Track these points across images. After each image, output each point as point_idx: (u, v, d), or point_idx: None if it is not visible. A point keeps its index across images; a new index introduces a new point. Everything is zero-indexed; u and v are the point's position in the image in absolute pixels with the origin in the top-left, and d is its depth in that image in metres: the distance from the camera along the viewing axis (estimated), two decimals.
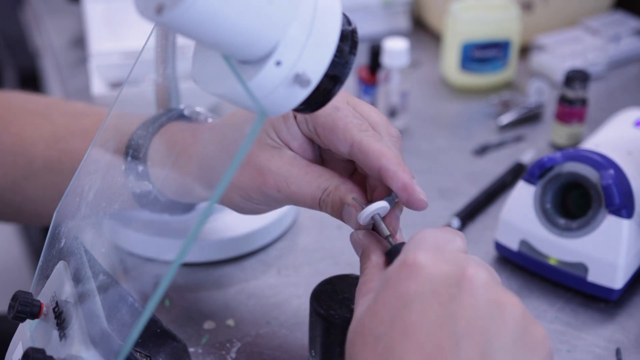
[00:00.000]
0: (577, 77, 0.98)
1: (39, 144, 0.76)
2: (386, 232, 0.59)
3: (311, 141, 0.65)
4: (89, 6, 1.21)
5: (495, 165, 0.98)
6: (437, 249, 0.51)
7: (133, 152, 0.70)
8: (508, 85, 1.16)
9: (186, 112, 0.74)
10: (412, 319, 0.48)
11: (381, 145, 0.60)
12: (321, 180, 0.62)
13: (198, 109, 0.75)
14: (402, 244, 0.57)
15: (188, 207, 0.75)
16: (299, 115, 0.64)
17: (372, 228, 0.61)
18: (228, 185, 0.50)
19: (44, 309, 0.58)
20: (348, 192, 0.61)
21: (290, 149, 0.64)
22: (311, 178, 0.62)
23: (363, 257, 0.59)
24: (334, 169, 0.64)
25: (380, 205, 0.60)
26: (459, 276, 0.49)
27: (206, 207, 0.49)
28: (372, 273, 0.56)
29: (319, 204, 0.62)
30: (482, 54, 1.12)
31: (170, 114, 0.73)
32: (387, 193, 0.61)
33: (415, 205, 0.59)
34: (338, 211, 0.61)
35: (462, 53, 1.12)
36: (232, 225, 0.82)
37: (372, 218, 0.60)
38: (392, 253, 0.58)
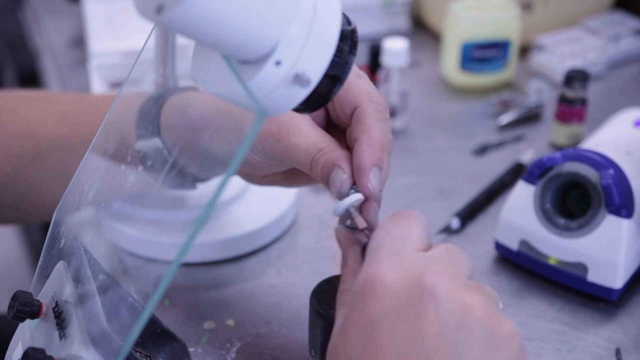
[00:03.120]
0: (577, 77, 0.98)
1: (47, 124, 0.76)
2: (362, 224, 0.59)
3: (325, 109, 0.65)
4: (89, 6, 1.21)
5: (495, 165, 0.98)
6: (395, 256, 0.51)
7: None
8: (508, 85, 1.16)
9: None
10: (382, 340, 0.48)
11: (376, 125, 0.61)
12: (320, 139, 0.62)
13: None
14: None
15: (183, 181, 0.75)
16: None
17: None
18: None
19: (44, 308, 0.58)
20: (343, 157, 0.61)
21: None
22: (312, 135, 0.63)
23: (342, 261, 0.58)
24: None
25: (355, 198, 0.59)
26: (420, 289, 0.48)
27: (206, 206, 0.49)
28: (349, 281, 0.56)
29: (311, 163, 0.62)
30: (482, 54, 1.12)
31: (160, 101, 0.72)
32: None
33: (361, 186, 0.59)
34: (327, 172, 0.60)
35: (462, 53, 1.12)
36: (232, 225, 0.82)
37: (348, 211, 0.59)
38: None
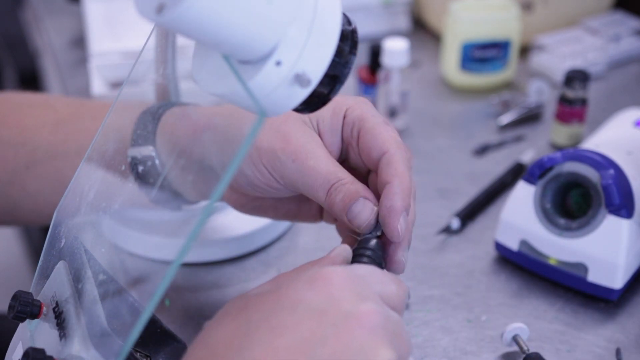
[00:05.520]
0: (577, 77, 0.98)
1: (43, 131, 0.75)
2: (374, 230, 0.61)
3: (340, 147, 0.66)
4: (89, 6, 1.21)
5: (495, 165, 0.98)
6: (360, 282, 0.51)
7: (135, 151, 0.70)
8: (508, 85, 1.16)
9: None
10: (286, 323, 0.48)
11: (406, 172, 0.62)
12: (338, 169, 0.62)
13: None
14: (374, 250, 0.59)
15: (176, 202, 0.74)
16: (348, 117, 0.64)
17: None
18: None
19: (44, 309, 0.58)
20: (368, 191, 0.61)
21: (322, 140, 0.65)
22: (331, 163, 0.62)
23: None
24: None
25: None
26: (352, 310, 0.48)
27: (206, 207, 0.49)
28: (316, 262, 0.57)
29: (329, 190, 0.61)
30: (482, 54, 1.12)
31: (158, 114, 0.72)
32: None
33: (391, 227, 0.60)
34: (349, 202, 0.60)
35: (462, 53, 1.12)
36: (232, 225, 0.82)
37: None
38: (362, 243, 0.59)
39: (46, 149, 0.74)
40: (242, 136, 0.64)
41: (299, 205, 0.70)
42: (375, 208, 0.60)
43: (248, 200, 0.70)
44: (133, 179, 0.70)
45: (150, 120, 0.71)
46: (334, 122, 0.65)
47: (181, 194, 0.72)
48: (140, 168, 0.69)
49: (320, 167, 0.62)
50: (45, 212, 0.75)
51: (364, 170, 0.66)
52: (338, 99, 0.66)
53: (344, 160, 0.66)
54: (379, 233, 0.60)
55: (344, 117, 0.65)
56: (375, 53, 1.05)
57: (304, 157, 0.62)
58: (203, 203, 0.77)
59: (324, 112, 0.64)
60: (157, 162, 0.69)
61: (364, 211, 0.60)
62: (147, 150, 0.69)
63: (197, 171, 0.69)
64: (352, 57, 0.53)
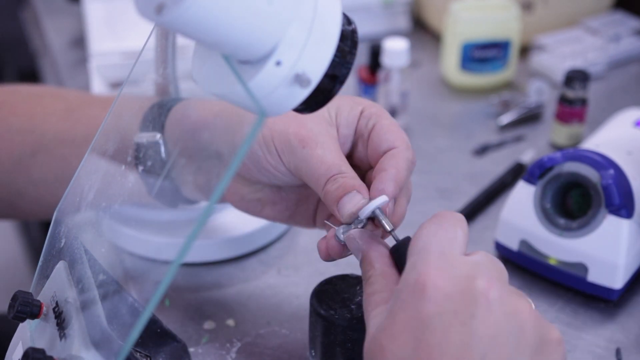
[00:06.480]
0: (577, 77, 0.98)
1: (52, 118, 0.76)
2: (389, 226, 0.60)
3: (352, 141, 0.67)
4: (89, 6, 1.21)
5: (495, 165, 0.98)
6: (443, 259, 0.51)
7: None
8: (508, 85, 1.16)
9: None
10: (436, 341, 0.48)
11: (405, 169, 0.63)
12: (344, 164, 0.64)
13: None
14: (408, 239, 0.57)
15: (175, 200, 0.75)
16: (366, 112, 0.66)
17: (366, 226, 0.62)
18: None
19: (44, 309, 0.58)
20: (363, 187, 0.62)
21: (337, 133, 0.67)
22: (338, 156, 0.64)
23: (365, 263, 0.58)
24: None
25: (382, 200, 0.60)
26: (473, 291, 0.49)
27: (206, 207, 0.49)
28: (380, 282, 0.55)
29: (329, 179, 0.63)
30: (482, 54, 1.12)
31: (167, 106, 0.72)
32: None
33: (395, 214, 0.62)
34: (342, 192, 0.62)
35: (462, 53, 1.12)
36: (232, 225, 0.82)
37: (374, 213, 0.60)
38: (399, 251, 0.57)
39: (54, 135, 0.75)
40: (241, 135, 0.64)
41: (296, 204, 0.70)
42: (363, 200, 0.61)
43: (249, 191, 0.70)
44: (133, 178, 0.70)
45: (158, 112, 0.71)
46: (351, 115, 0.67)
47: (180, 189, 0.72)
48: (144, 157, 0.70)
49: (327, 157, 0.64)
50: (46, 202, 0.76)
51: (364, 170, 0.67)
52: (355, 98, 0.68)
53: (350, 155, 0.68)
54: (359, 226, 0.61)
55: (361, 112, 0.67)
56: (375, 53, 1.05)
57: (314, 145, 0.64)
58: (201, 204, 0.77)
59: (343, 105, 0.67)
60: (162, 149, 0.70)
61: (351, 201, 0.61)
62: (153, 137, 0.70)
63: (201, 163, 0.70)
64: (352, 57, 0.53)
